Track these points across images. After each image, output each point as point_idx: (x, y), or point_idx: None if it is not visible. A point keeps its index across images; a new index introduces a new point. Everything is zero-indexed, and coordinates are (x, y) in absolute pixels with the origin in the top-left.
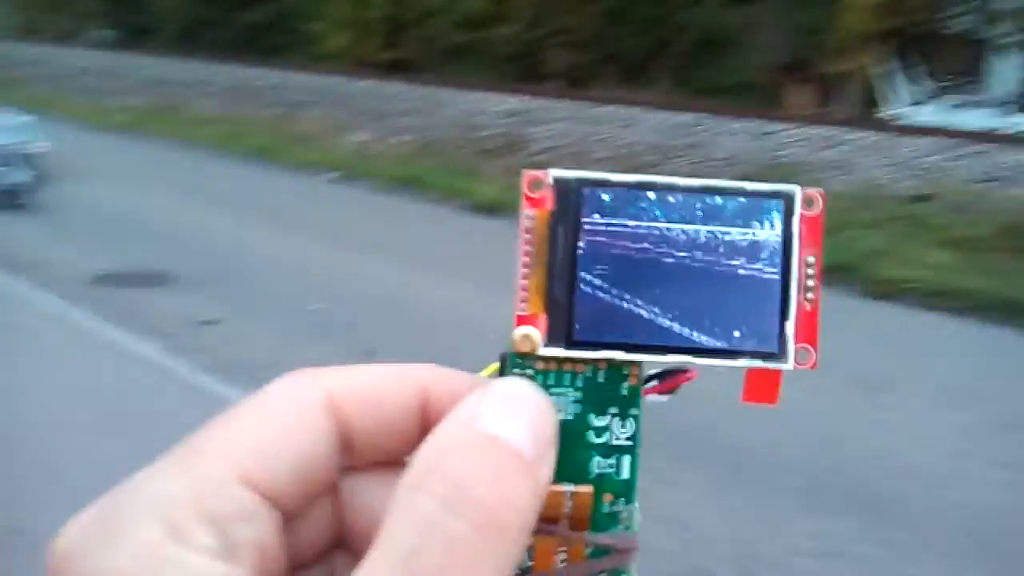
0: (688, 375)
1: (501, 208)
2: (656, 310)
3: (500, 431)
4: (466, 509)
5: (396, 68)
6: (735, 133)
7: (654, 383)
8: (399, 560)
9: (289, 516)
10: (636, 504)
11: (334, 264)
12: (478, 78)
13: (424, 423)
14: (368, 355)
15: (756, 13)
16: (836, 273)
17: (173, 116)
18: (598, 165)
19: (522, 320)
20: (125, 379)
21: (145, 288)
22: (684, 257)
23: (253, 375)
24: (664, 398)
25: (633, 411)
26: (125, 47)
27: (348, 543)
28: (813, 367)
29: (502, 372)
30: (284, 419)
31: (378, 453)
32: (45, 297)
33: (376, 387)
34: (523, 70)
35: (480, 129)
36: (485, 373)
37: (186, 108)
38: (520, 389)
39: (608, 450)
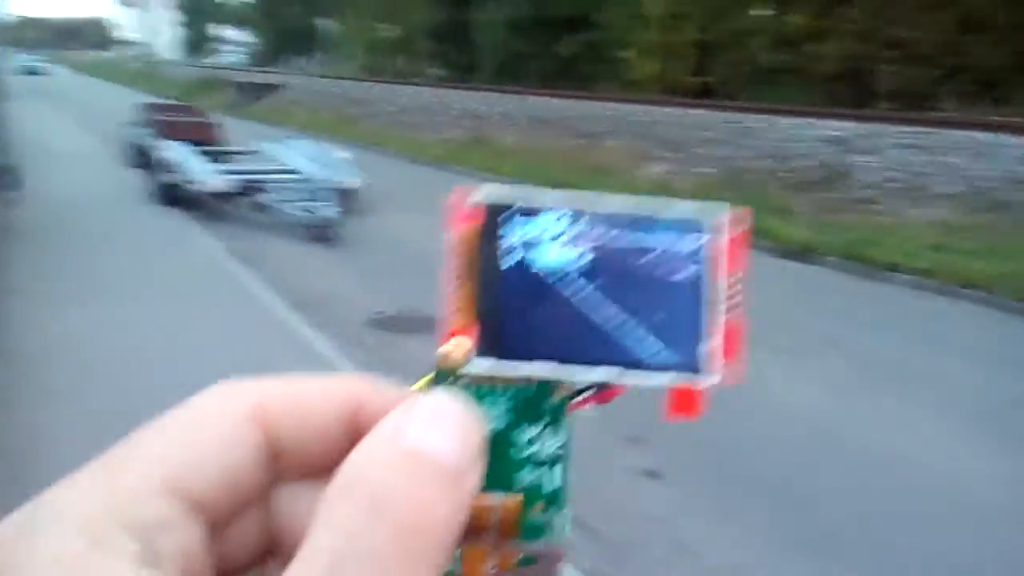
0: (617, 389)
1: (814, 252)
2: (582, 325)
3: (423, 444)
4: (387, 520)
5: (704, 94)
6: None
7: (586, 394)
8: (321, 572)
9: (216, 525)
10: (566, 511)
11: None
12: (792, 102)
13: (354, 435)
14: None
15: None
16: None
17: (482, 149)
18: (940, 201)
19: (451, 333)
20: None
21: (426, 335)
22: (610, 273)
23: None
24: (593, 411)
25: (563, 421)
26: (450, 84)
27: (278, 551)
28: (738, 382)
29: (434, 386)
30: (210, 429)
31: (308, 463)
32: (319, 339)
33: (305, 399)
34: (847, 91)
35: (792, 160)
36: (417, 386)
37: (494, 140)
38: (447, 403)
39: (538, 460)
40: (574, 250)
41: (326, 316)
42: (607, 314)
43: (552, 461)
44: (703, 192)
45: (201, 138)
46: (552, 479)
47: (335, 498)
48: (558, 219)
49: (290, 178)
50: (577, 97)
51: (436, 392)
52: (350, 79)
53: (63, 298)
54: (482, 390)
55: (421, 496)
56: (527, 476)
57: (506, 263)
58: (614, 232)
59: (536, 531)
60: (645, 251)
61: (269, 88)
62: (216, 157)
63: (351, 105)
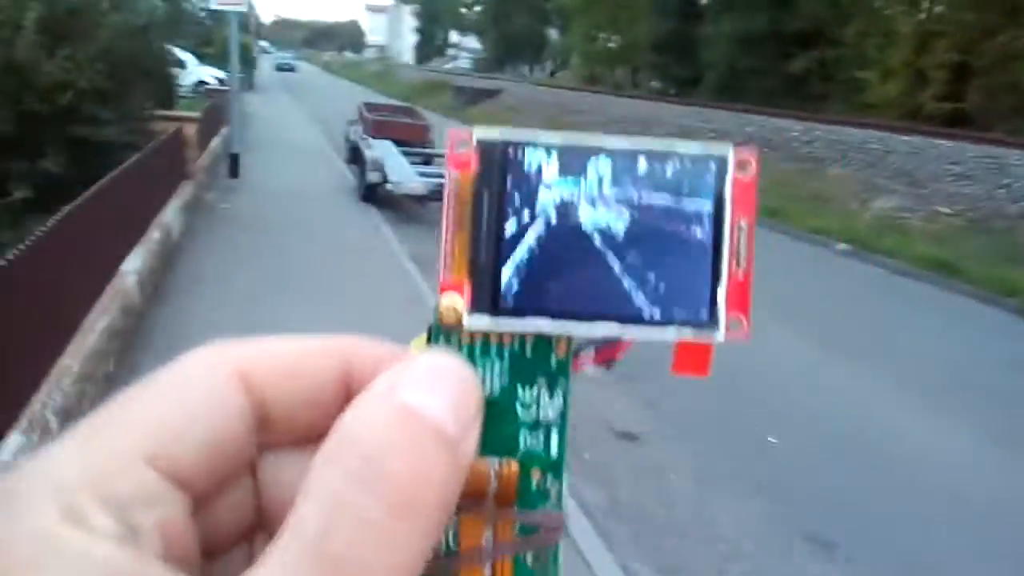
0: (624, 345)
1: None
2: (584, 278)
3: (420, 404)
4: (379, 485)
5: (954, 122)
6: None
7: (588, 352)
8: (308, 544)
9: (201, 498)
10: (564, 480)
11: (811, 372)
12: None
13: (347, 397)
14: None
15: None
16: None
17: None
18: None
19: (445, 287)
20: None
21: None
22: (613, 223)
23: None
24: (600, 371)
25: (562, 384)
26: (664, 98)
27: (268, 524)
28: (745, 338)
29: (429, 344)
30: (192, 395)
31: (298, 429)
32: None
33: (293, 360)
34: None
35: None
36: (414, 345)
37: None
38: (443, 362)
39: (536, 425)
40: (577, 195)
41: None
42: (612, 266)
43: (551, 426)
44: (939, 236)
45: (409, 138)
46: (551, 445)
47: (323, 463)
48: (560, 162)
49: None
50: (802, 118)
51: (432, 351)
52: (566, 88)
53: (243, 295)
54: (478, 349)
55: (416, 460)
56: (524, 442)
57: (505, 210)
58: (618, 176)
59: (535, 500)
60: (651, 196)
61: (487, 93)
62: (420, 159)
63: (564, 114)
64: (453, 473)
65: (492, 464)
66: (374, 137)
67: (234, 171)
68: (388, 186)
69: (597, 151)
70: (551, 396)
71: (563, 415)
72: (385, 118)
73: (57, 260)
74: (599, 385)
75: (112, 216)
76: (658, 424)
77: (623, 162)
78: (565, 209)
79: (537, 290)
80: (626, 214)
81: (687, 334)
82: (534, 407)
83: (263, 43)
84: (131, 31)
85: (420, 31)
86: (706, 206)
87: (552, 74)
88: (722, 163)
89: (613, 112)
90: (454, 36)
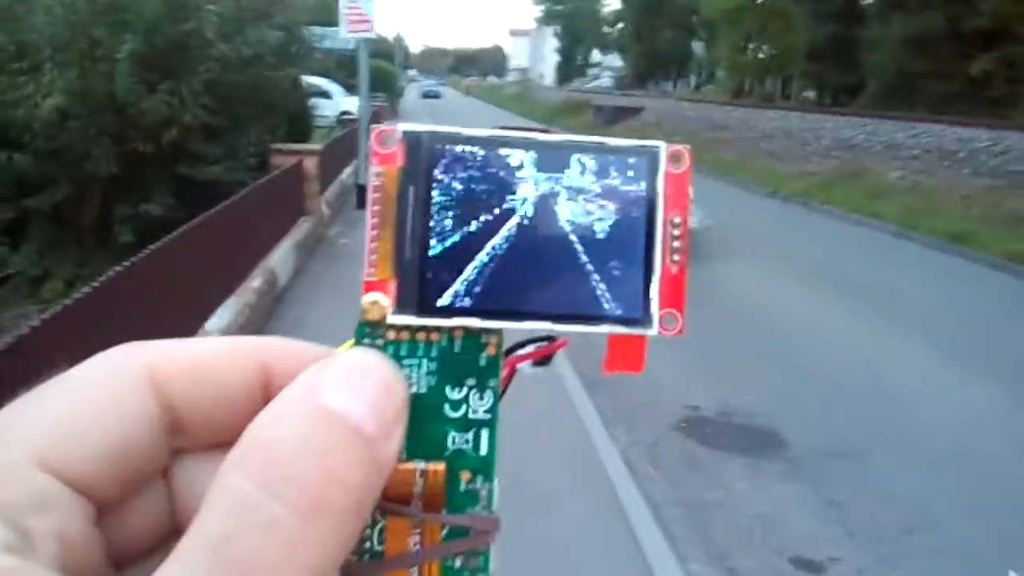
0: (559, 342)
1: None
2: (514, 273)
3: (337, 404)
4: (286, 489)
5: None
6: None
7: (526, 350)
8: (208, 548)
9: (106, 504)
10: (495, 482)
11: None
12: None
13: (266, 400)
14: None
15: None
16: None
17: (853, 185)
18: None
19: (370, 286)
20: None
21: (736, 454)
22: (543, 218)
23: None
24: (536, 369)
25: (492, 383)
26: (821, 108)
27: (184, 532)
28: (679, 333)
29: (355, 345)
30: (94, 397)
31: (214, 433)
32: (603, 441)
33: (208, 361)
34: None
35: None
36: (342, 348)
37: (870, 176)
38: (364, 360)
39: (465, 424)
40: (506, 191)
41: (621, 404)
42: (543, 262)
43: (481, 426)
44: None
45: None
46: (480, 446)
47: (230, 466)
48: (488, 158)
49: None
50: (992, 126)
51: (354, 350)
52: (711, 102)
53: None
54: (404, 348)
55: (330, 461)
56: (452, 442)
57: (432, 206)
58: (549, 171)
59: (464, 502)
60: (582, 192)
61: (628, 111)
62: None
63: (708, 129)
64: (371, 475)
65: (419, 466)
66: None
67: (361, 202)
68: None
69: (526, 145)
70: (481, 395)
71: (493, 414)
72: None
73: (110, 316)
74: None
75: (202, 262)
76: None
77: (554, 155)
78: (493, 204)
79: (465, 287)
80: (556, 209)
81: (620, 330)
82: (463, 406)
83: (411, 72)
84: (239, 63)
85: (561, 52)
86: (638, 201)
87: (697, 88)
88: (653, 157)
89: (762, 126)
90: (596, 55)
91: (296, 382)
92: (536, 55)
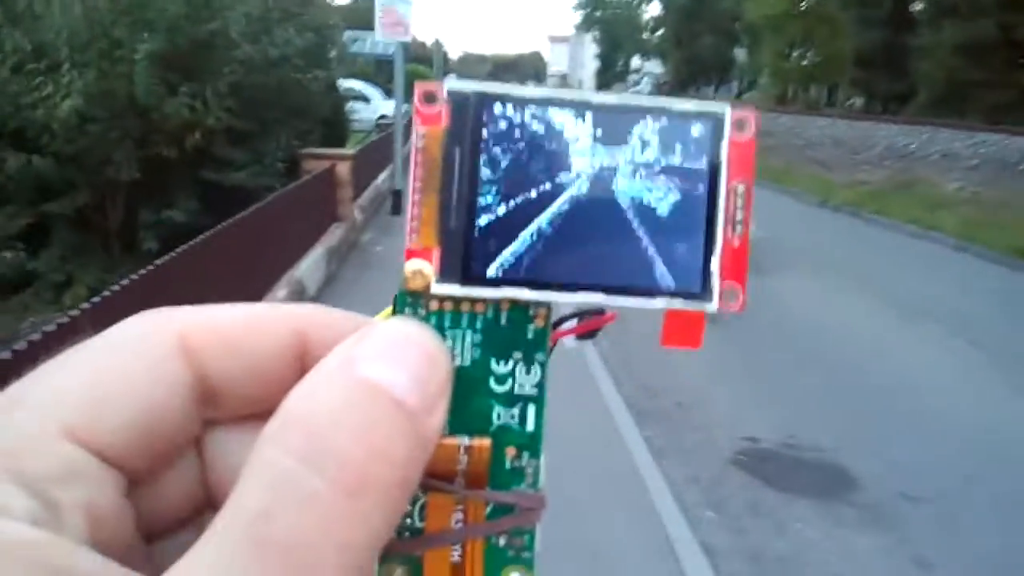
0: (607, 316)
1: None
2: (565, 244)
3: (378, 376)
4: (327, 463)
5: None
6: None
7: (570, 324)
8: (246, 524)
9: (136, 476)
10: (542, 459)
11: None
12: None
13: (302, 370)
14: None
15: None
16: None
17: (907, 195)
18: None
19: (412, 254)
20: None
21: (802, 495)
22: (598, 184)
23: None
24: (580, 342)
25: (539, 356)
26: (871, 116)
27: (218, 504)
28: (740, 309)
29: (395, 314)
30: (123, 365)
31: (248, 404)
32: (654, 476)
33: (242, 329)
34: None
35: None
36: (379, 317)
37: (925, 186)
38: (406, 330)
39: (511, 399)
40: (559, 155)
41: (673, 435)
42: (597, 231)
43: (527, 401)
44: None
45: None
46: (526, 421)
47: (268, 440)
48: (540, 119)
49: None
50: None
51: (396, 319)
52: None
53: None
54: (448, 318)
55: (373, 436)
56: (498, 417)
57: (480, 169)
58: (605, 135)
59: (509, 479)
60: (640, 157)
61: None
62: None
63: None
64: (415, 450)
65: (462, 441)
66: None
67: (396, 208)
68: None
69: (582, 105)
70: (528, 369)
71: (541, 389)
72: None
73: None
74: None
75: (226, 270)
76: None
77: (610, 117)
78: (544, 169)
79: (513, 257)
80: (611, 175)
81: (677, 304)
82: (509, 380)
83: (450, 77)
84: (266, 64)
85: (601, 57)
86: (700, 168)
87: (739, 95)
88: (718, 121)
89: (810, 133)
90: (635, 61)
91: (334, 352)
92: (575, 61)
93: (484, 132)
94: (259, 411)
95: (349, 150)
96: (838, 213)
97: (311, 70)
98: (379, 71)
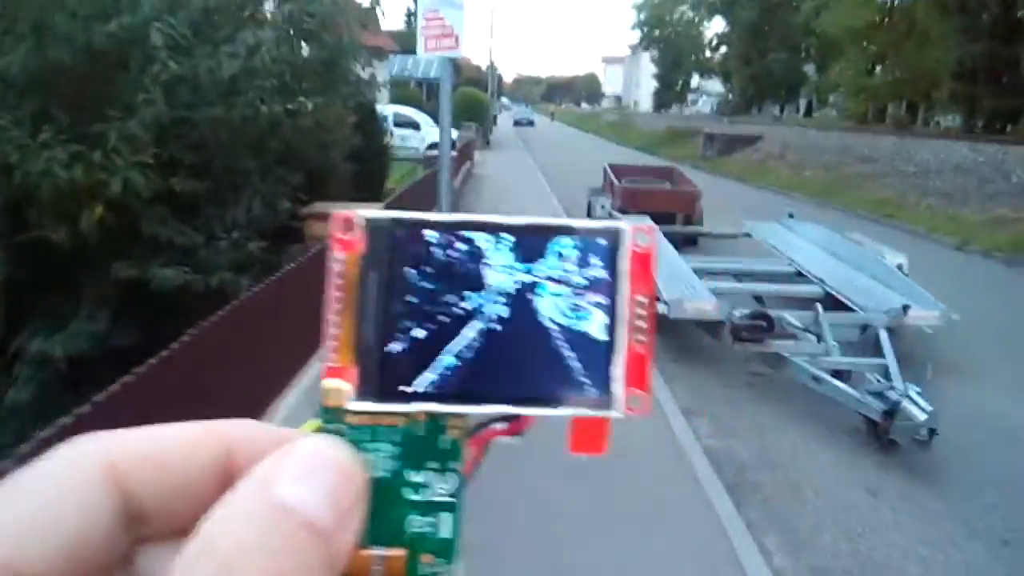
0: (520, 423)
1: None
2: (477, 357)
3: (292, 498)
4: None
5: None
6: None
7: (497, 426)
8: None
9: None
10: (458, 564)
11: None
12: None
13: (228, 486)
14: None
15: None
16: None
17: None
18: None
19: (332, 372)
20: None
21: None
22: (507, 301)
23: None
24: (513, 439)
25: (454, 465)
26: (990, 138)
27: None
28: (645, 414)
29: (321, 427)
30: (53, 496)
31: (178, 521)
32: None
33: (168, 450)
34: None
35: None
36: (306, 427)
37: None
38: (322, 449)
39: (427, 507)
40: (470, 275)
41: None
42: (503, 343)
43: (442, 508)
44: None
45: (673, 209)
46: (441, 528)
47: (184, 562)
48: (452, 243)
49: (810, 296)
50: None
51: (313, 437)
52: (842, 129)
53: None
54: (368, 432)
55: (284, 563)
56: (413, 525)
57: (394, 293)
58: (513, 255)
59: None
60: (547, 274)
61: (743, 140)
62: (687, 241)
63: (851, 161)
64: (326, 568)
65: (378, 552)
66: (626, 212)
67: None
68: (659, 307)
69: (492, 228)
70: (444, 477)
71: (457, 497)
72: (640, 185)
73: None
74: None
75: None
76: None
77: (518, 239)
78: (456, 289)
79: (426, 372)
80: (520, 292)
81: (583, 411)
82: (425, 489)
83: (503, 100)
84: (224, 87)
85: (659, 78)
86: (602, 281)
87: (807, 113)
88: (617, 237)
89: (921, 158)
90: (695, 80)
91: (251, 474)
92: (630, 82)
93: (398, 259)
94: (187, 527)
95: (373, 208)
96: (990, 260)
97: (315, 94)
98: (432, 95)
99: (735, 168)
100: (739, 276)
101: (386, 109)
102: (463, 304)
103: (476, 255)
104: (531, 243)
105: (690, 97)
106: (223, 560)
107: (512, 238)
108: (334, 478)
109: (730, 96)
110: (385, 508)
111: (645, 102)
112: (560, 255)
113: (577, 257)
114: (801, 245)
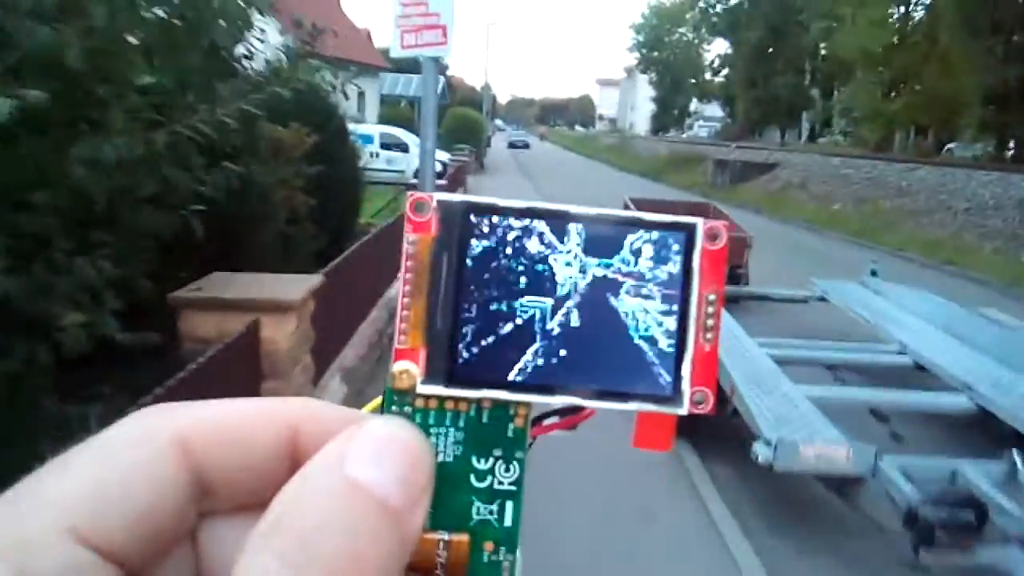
0: (586, 412)
1: None
2: (545, 347)
3: (365, 476)
4: (311, 567)
5: None
6: None
7: (554, 419)
8: None
9: (134, 571)
10: (518, 554)
11: None
12: None
13: (294, 463)
14: None
15: None
16: None
17: None
18: None
19: (400, 355)
20: None
21: None
22: (576, 292)
23: None
24: (567, 433)
25: (518, 454)
26: None
27: None
28: (711, 412)
29: (383, 409)
30: (124, 465)
31: (242, 496)
32: None
33: (236, 425)
34: None
35: None
36: (367, 409)
37: None
38: (393, 430)
39: (490, 495)
40: (540, 263)
41: None
42: (571, 334)
43: (506, 496)
44: None
45: None
46: (505, 517)
47: (260, 537)
48: (522, 230)
49: (953, 411)
50: None
51: (383, 418)
52: (866, 157)
53: None
54: (433, 416)
55: (357, 537)
56: (477, 512)
57: (465, 276)
58: (583, 245)
59: (486, 573)
60: (616, 266)
61: (759, 167)
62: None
63: (886, 195)
64: (397, 548)
65: (442, 537)
66: None
67: None
68: (757, 457)
69: (562, 217)
70: (507, 466)
71: (519, 485)
72: None
73: None
74: None
75: None
76: None
77: (588, 229)
78: (526, 277)
79: (495, 359)
80: (589, 284)
81: (649, 407)
82: (489, 477)
83: (497, 121)
84: None
85: (658, 100)
86: (673, 277)
87: (810, 139)
88: (690, 232)
89: (972, 191)
90: (693, 104)
91: (324, 452)
92: (625, 105)
93: (469, 242)
94: (253, 503)
95: (299, 282)
96: None
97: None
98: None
99: (751, 198)
100: (834, 369)
101: (372, 129)
102: (535, 293)
103: (549, 244)
104: (605, 235)
105: (686, 122)
106: (299, 536)
107: (586, 229)
108: (406, 459)
109: (728, 120)
110: (449, 493)
111: (641, 125)
112: (634, 249)
113: (651, 252)
114: (908, 322)
